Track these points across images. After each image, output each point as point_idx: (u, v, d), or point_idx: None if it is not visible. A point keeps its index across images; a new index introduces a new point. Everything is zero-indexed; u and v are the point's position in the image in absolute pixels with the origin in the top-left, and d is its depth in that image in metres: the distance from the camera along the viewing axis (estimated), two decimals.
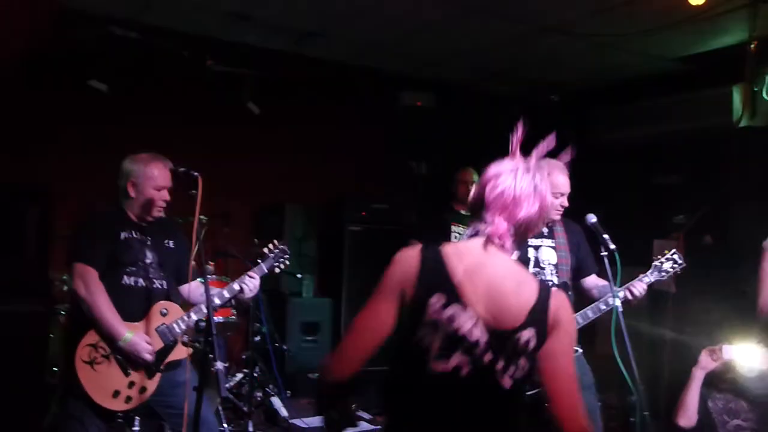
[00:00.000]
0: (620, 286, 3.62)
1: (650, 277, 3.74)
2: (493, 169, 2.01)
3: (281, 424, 5.12)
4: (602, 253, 3.65)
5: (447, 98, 7.01)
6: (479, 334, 1.83)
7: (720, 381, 3.93)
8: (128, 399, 3.24)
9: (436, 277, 1.85)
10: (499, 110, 7.09)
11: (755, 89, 5.20)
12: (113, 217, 3.37)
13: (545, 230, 4.02)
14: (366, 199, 6.62)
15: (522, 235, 1.95)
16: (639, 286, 3.70)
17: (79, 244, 3.28)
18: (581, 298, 4.05)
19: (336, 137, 6.79)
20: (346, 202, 6.58)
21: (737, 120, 5.25)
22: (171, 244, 3.52)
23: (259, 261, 3.71)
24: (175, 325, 3.36)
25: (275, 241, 3.85)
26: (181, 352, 3.39)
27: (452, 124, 7.14)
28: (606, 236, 3.66)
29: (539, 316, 1.87)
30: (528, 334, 1.85)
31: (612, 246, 3.62)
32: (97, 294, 3.16)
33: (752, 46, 4.88)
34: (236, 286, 3.52)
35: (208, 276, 5.31)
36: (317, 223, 6.65)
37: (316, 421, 5.35)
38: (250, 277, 3.57)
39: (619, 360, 3.15)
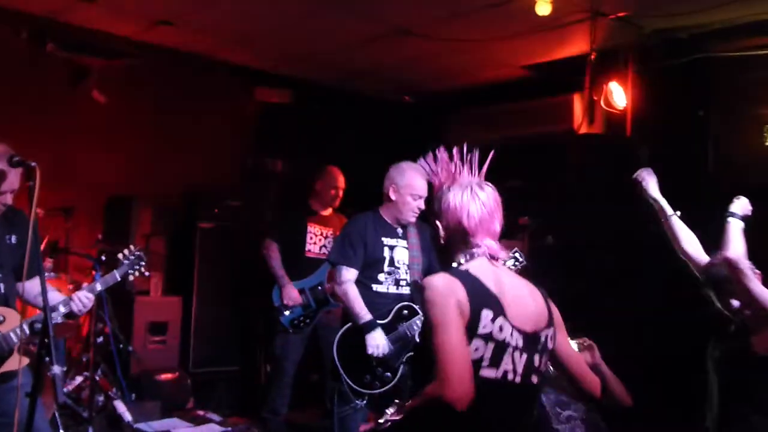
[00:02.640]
0: None
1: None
2: (452, 199, 2.20)
3: (125, 430, 4.89)
4: None
5: (304, 96, 6.98)
6: (518, 340, 2.07)
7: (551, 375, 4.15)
8: None
9: (482, 295, 2.05)
10: (356, 109, 7.16)
11: (594, 98, 5.54)
12: None
13: (399, 231, 4.12)
14: (219, 196, 6.44)
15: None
16: None
17: None
18: None
19: (188, 131, 6.56)
20: (197, 199, 6.36)
21: (577, 127, 5.58)
22: (13, 239, 3.24)
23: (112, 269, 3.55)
24: (12, 334, 3.10)
25: (131, 247, 3.69)
26: (14, 363, 3.14)
27: (309, 121, 7.12)
28: None
29: (551, 316, 2.19)
30: (549, 333, 2.17)
31: None
32: None
33: (592, 57, 5.18)
34: (62, 308, 3.26)
35: (46, 274, 5.00)
36: (167, 220, 6.39)
37: (162, 425, 5.16)
38: (86, 296, 3.33)
39: None
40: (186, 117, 6.54)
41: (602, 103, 5.52)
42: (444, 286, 2.04)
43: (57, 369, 2.65)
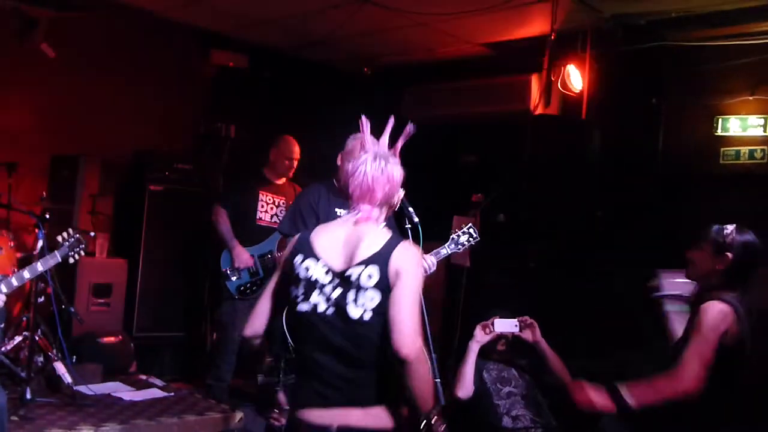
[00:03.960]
0: None
1: (447, 249, 3.95)
2: (350, 165, 2.49)
3: (65, 391, 4.80)
4: (406, 226, 3.75)
5: (261, 62, 6.87)
6: (330, 278, 2.40)
7: (492, 352, 4.22)
8: None
9: (302, 244, 2.50)
10: (313, 78, 7.08)
11: (552, 80, 5.58)
12: None
13: None
14: (170, 158, 6.31)
15: (388, 210, 2.54)
16: (428, 259, 3.87)
17: None
18: None
19: (140, 90, 6.41)
20: (148, 160, 6.22)
21: (534, 107, 5.62)
22: None
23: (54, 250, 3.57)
24: None
25: (69, 230, 3.68)
26: None
27: (265, 88, 7.02)
28: (411, 209, 3.77)
29: (379, 261, 2.36)
30: (366, 274, 2.36)
31: (416, 219, 3.73)
32: None
33: (552, 38, 5.20)
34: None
35: None
36: (115, 180, 6.25)
37: (102, 388, 5.08)
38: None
39: None
40: (138, 76, 6.39)
41: (559, 85, 5.57)
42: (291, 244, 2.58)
43: None
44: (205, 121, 6.89)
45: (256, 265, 5.30)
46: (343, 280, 2.37)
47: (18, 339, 4.92)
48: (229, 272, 5.29)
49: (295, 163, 5.54)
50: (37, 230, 4.87)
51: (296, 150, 5.52)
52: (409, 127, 2.55)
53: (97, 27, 6.09)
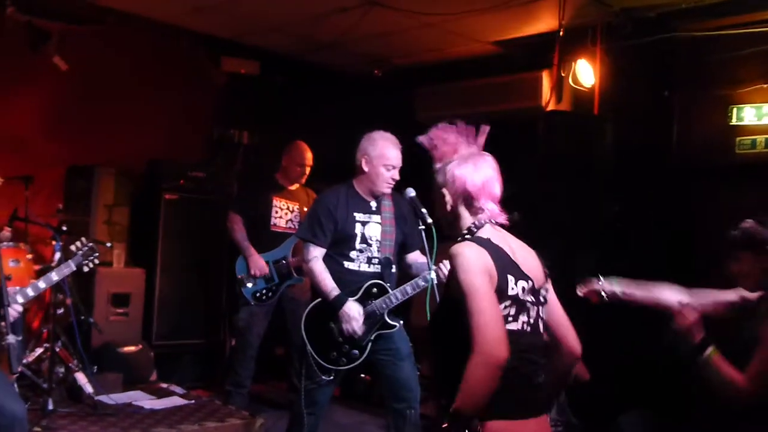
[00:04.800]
0: (436, 260, 3.73)
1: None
2: (456, 168, 2.40)
3: (86, 401, 4.84)
4: (420, 227, 3.75)
5: (272, 68, 6.89)
6: (531, 296, 2.32)
7: None
8: None
9: (504, 261, 2.28)
10: (324, 83, 7.09)
11: (562, 75, 5.55)
12: None
13: (373, 205, 4.03)
14: (184, 167, 6.34)
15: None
16: (444, 269, 3.81)
17: None
18: (404, 274, 4.15)
19: (153, 100, 6.45)
20: (162, 169, 6.26)
21: (546, 104, 5.59)
22: None
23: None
24: None
25: (83, 239, 3.71)
26: None
27: (277, 94, 7.04)
28: (424, 210, 3.76)
29: (546, 272, 2.43)
30: (549, 287, 2.44)
31: (429, 220, 3.73)
32: None
33: (561, 34, 5.18)
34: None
35: (5, 243, 4.92)
36: (130, 190, 6.29)
37: (123, 397, 5.12)
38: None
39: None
40: (151, 85, 6.43)
41: (570, 80, 5.54)
42: (474, 254, 2.23)
43: (12, 338, 2.61)
44: (218, 128, 6.92)
45: (271, 271, 5.31)
46: (538, 296, 2.37)
47: (39, 350, 4.96)
48: (244, 279, 5.30)
49: (308, 170, 5.54)
50: (54, 242, 4.93)
51: (308, 156, 5.52)
52: (486, 127, 2.52)
53: (109, 38, 6.13)
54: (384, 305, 3.88)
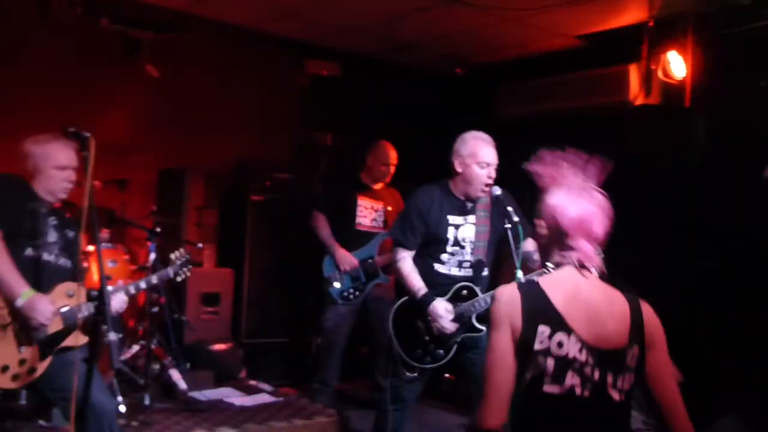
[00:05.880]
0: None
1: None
2: (555, 198, 2.18)
3: (180, 397, 4.99)
4: (506, 226, 3.70)
5: (354, 69, 6.94)
6: (586, 356, 2.03)
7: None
8: (15, 377, 3.08)
9: (542, 310, 2.04)
10: (405, 83, 7.10)
11: (652, 68, 5.39)
12: (24, 188, 3.26)
13: (469, 205, 3.98)
14: (270, 169, 6.47)
15: (600, 248, 2.18)
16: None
17: None
18: (497, 275, 4.11)
19: (239, 104, 6.60)
20: (248, 171, 6.40)
21: (634, 98, 5.43)
22: (71, 234, 3.44)
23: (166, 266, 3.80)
24: (83, 308, 3.21)
25: (182, 250, 3.87)
26: (76, 339, 3.23)
27: (359, 94, 7.09)
28: (510, 209, 3.72)
29: (638, 334, 2.09)
30: (632, 353, 2.08)
31: (515, 219, 3.68)
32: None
33: (650, 25, 5.02)
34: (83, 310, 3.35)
35: (104, 245, 5.11)
36: (219, 192, 6.46)
37: (215, 393, 5.25)
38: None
39: None
40: (236, 90, 6.58)
41: (660, 73, 5.36)
42: (503, 301, 2.07)
43: (113, 336, 2.72)
44: (303, 130, 7.02)
45: (358, 270, 5.35)
46: (603, 358, 2.05)
47: (135, 348, 5.15)
48: (332, 279, 5.35)
49: (392, 169, 5.56)
50: (149, 243, 5.11)
51: (393, 155, 5.54)
52: (606, 164, 2.28)
53: (196, 45, 6.31)
54: (472, 309, 3.84)
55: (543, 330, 2.02)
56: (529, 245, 4.02)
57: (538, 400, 2.02)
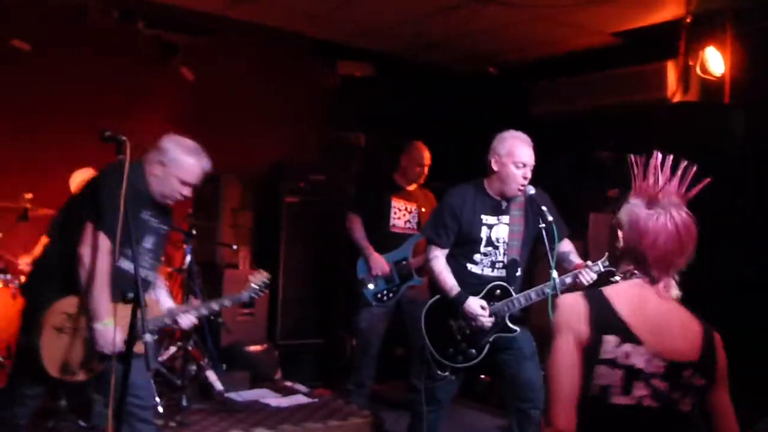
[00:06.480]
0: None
1: (600, 266, 3.65)
2: (644, 219, 2.04)
3: (216, 398, 5.04)
4: (540, 225, 3.66)
5: (385, 69, 6.94)
6: (655, 368, 1.96)
7: None
8: (72, 372, 3.12)
9: (608, 320, 1.97)
10: (437, 82, 7.08)
11: (689, 65, 5.29)
12: (138, 193, 3.21)
13: (503, 204, 3.94)
14: (303, 170, 6.49)
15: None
16: (588, 275, 3.67)
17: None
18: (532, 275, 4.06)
19: (272, 105, 6.64)
20: (282, 173, 6.43)
21: (671, 95, 5.34)
22: (163, 231, 3.47)
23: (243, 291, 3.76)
24: (151, 321, 3.24)
25: (263, 272, 3.85)
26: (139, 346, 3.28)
27: (392, 95, 7.08)
28: (544, 208, 3.67)
29: (709, 357, 2.03)
30: (701, 371, 2.01)
31: (549, 218, 3.64)
32: (103, 268, 3.03)
33: (687, 21, 4.94)
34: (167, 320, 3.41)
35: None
36: (253, 194, 6.50)
37: (251, 394, 5.29)
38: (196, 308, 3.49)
39: None
40: (269, 92, 6.61)
41: (698, 69, 5.26)
42: (567, 307, 2.01)
43: (148, 337, 2.74)
44: (335, 131, 7.04)
45: (392, 271, 5.34)
46: (671, 370, 1.99)
47: (173, 349, 5.20)
48: (365, 280, 5.35)
49: (426, 169, 5.53)
50: (185, 246, 5.16)
51: (427, 156, 5.52)
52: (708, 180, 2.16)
53: (229, 47, 6.36)
54: (506, 308, 3.81)
55: (609, 339, 1.96)
56: (565, 245, 3.98)
57: (606, 411, 1.97)
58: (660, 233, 2.01)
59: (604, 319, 1.97)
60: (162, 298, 3.49)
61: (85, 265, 3.07)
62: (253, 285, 3.73)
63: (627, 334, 1.96)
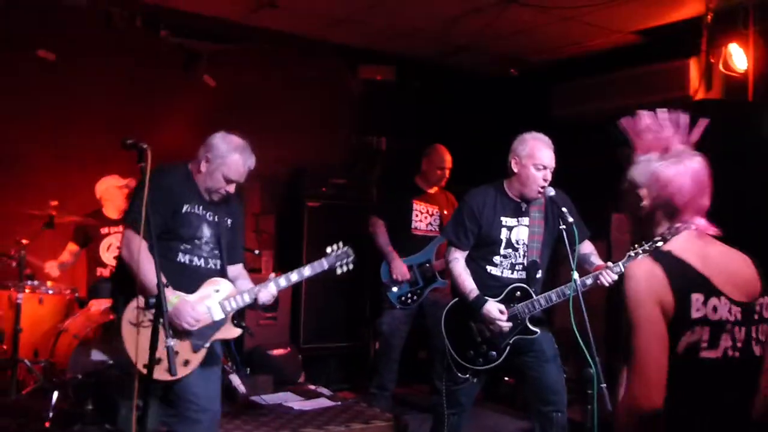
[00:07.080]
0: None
1: (621, 266, 3.57)
2: (662, 170, 2.05)
3: (240, 401, 5.07)
4: (561, 227, 3.63)
5: (407, 72, 6.95)
6: (735, 315, 1.95)
7: None
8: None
9: (688, 278, 1.94)
10: (459, 85, 7.07)
11: (712, 62, 5.23)
12: (182, 186, 3.31)
13: (523, 206, 3.92)
14: (325, 174, 6.52)
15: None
16: (609, 277, 3.63)
17: (131, 208, 3.21)
18: (554, 276, 4.04)
19: (294, 110, 6.67)
20: (304, 177, 6.46)
21: (694, 93, 5.29)
22: (229, 222, 3.49)
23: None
24: (226, 302, 3.31)
25: (340, 243, 3.88)
26: (230, 332, 3.36)
27: (413, 98, 7.09)
28: (565, 210, 3.65)
29: (764, 284, 2.04)
30: (765, 302, 2.02)
31: (570, 219, 3.61)
32: (143, 258, 3.07)
33: (708, 18, 4.88)
34: (247, 298, 3.44)
35: None
36: (275, 198, 6.54)
37: (275, 398, 5.31)
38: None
39: (577, 333, 3.14)
40: (292, 97, 6.65)
41: (721, 66, 5.20)
42: (644, 278, 1.92)
43: (171, 341, 2.77)
44: (357, 135, 7.05)
45: (415, 274, 5.35)
46: (745, 313, 1.98)
47: None
48: (389, 283, 5.36)
49: (447, 172, 5.54)
50: None
51: (448, 159, 5.52)
52: (704, 121, 2.16)
53: (251, 54, 6.41)
54: (527, 310, 3.78)
55: (698, 297, 1.92)
56: (586, 247, 3.96)
57: (694, 368, 1.93)
58: (683, 178, 2.02)
59: (686, 278, 1.94)
60: (240, 285, 3.51)
61: (127, 261, 3.15)
62: (332, 253, 3.81)
63: (710, 288, 1.94)
